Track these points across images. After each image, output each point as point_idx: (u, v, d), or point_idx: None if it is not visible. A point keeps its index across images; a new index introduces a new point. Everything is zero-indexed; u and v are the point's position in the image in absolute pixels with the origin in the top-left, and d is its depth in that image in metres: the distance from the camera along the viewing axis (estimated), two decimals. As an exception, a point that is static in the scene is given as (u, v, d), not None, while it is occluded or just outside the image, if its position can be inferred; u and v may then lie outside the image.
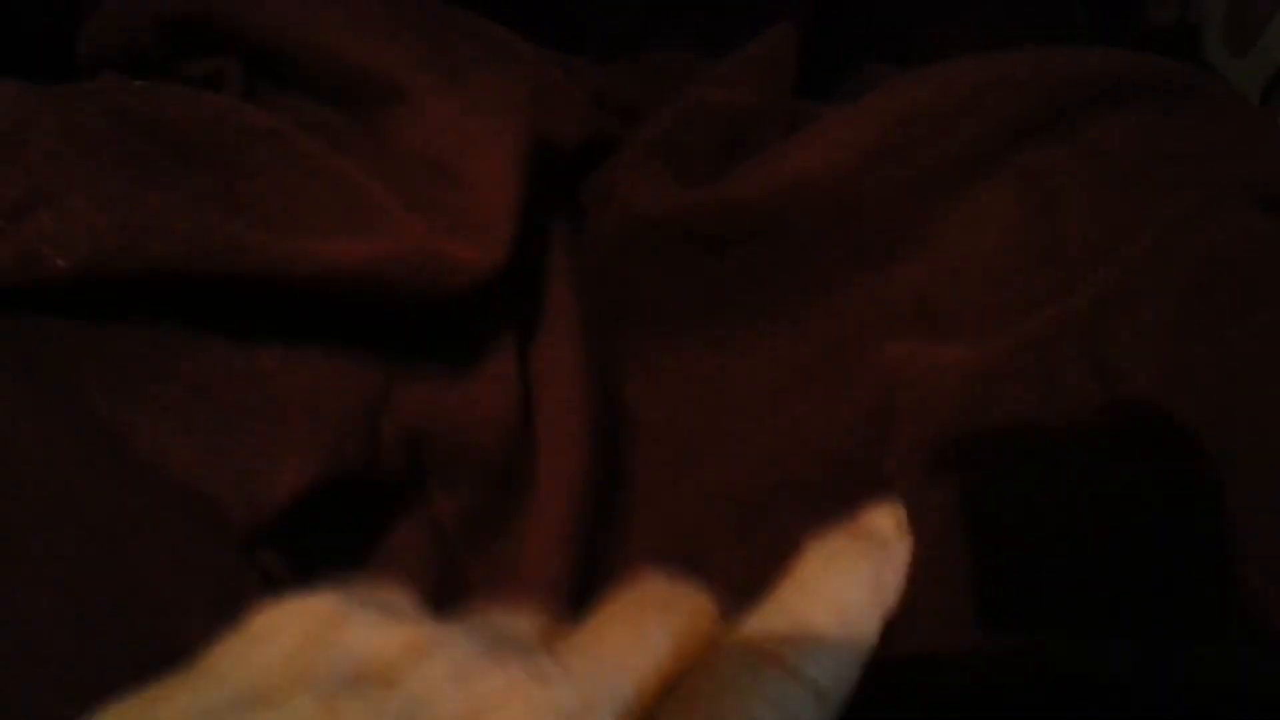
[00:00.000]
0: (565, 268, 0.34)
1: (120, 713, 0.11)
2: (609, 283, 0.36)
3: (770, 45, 0.43)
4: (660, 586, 0.13)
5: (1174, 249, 0.30)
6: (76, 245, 0.23)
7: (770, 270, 0.34)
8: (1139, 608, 0.25)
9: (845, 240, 0.34)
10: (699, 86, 0.40)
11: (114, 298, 0.24)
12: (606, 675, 0.12)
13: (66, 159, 0.25)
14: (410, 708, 0.11)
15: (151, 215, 0.24)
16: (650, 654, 0.12)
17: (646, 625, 0.12)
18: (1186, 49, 0.58)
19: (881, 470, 0.29)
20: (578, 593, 0.28)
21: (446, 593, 0.28)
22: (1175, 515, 0.26)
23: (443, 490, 0.29)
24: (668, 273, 0.35)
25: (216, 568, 0.22)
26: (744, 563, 0.30)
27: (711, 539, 0.31)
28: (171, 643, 0.19)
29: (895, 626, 0.13)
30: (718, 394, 0.34)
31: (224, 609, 0.13)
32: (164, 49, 0.33)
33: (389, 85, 0.32)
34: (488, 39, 0.39)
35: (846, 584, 0.13)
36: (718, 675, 0.12)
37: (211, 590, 0.21)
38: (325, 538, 0.26)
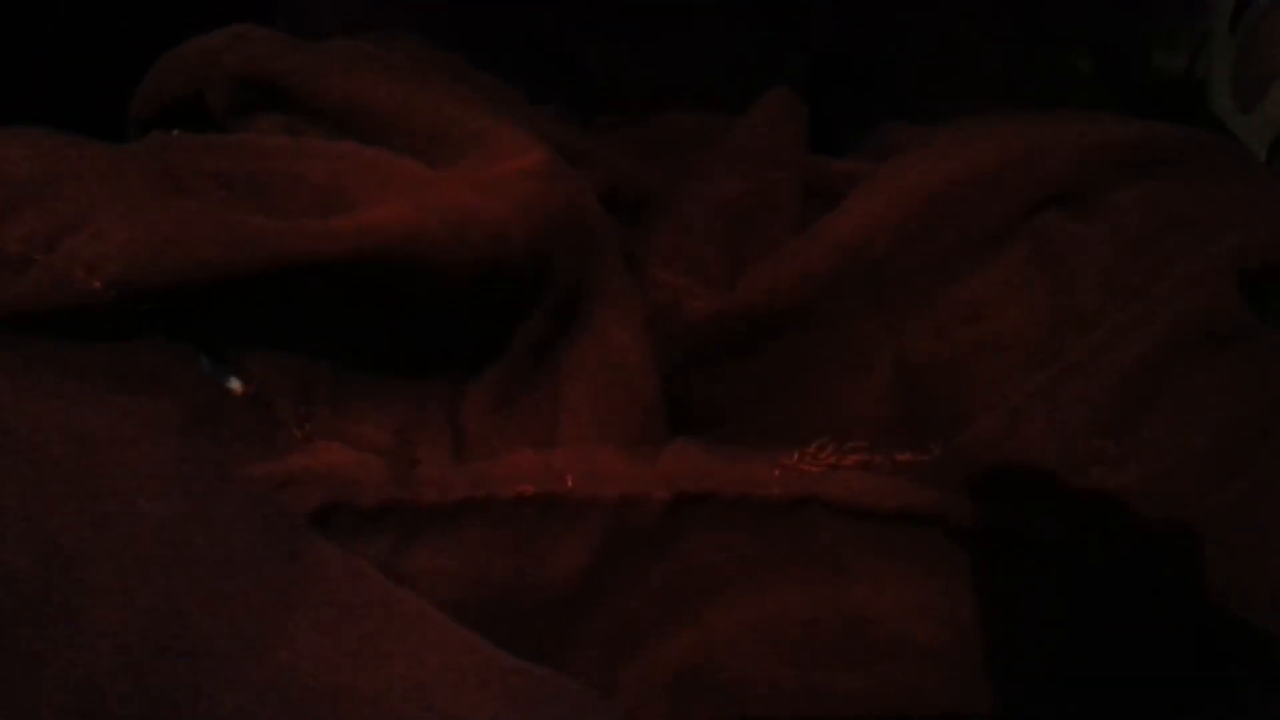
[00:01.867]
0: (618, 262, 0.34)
1: None
2: None
3: (776, 109, 0.45)
4: None
5: (1159, 310, 0.30)
6: (109, 264, 0.24)
7: (806, 359, 0.36)
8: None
9: (874, 316, 0.35)
10: (707, 181, 0.42)
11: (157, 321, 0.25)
12: None
13: (97, 191, 0.26)
14: None
15: (181, 223, 0.25)
16: None
17: None
18: (1194, 101, 0.59)
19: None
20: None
21: None
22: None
23: None
24: (707, 380, 0.36)
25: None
26: None
27: None
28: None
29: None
30: None
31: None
32: (226, 105, 0.35)
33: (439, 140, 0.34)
34: (512, 105, 0.41)
35: None
36: None
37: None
38: None
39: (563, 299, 0.32)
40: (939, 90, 0.51)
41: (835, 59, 0.54)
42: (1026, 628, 0.27)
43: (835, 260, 0.36)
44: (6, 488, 0.20)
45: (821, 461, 0.27)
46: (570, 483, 0.25)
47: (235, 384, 0.26)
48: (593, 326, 0.33)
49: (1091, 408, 0.29)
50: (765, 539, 0.26)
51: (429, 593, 0.23)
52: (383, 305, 0.28)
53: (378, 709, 0.19)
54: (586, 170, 0.41)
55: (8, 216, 0.25)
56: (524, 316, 0.32)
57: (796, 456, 0.27)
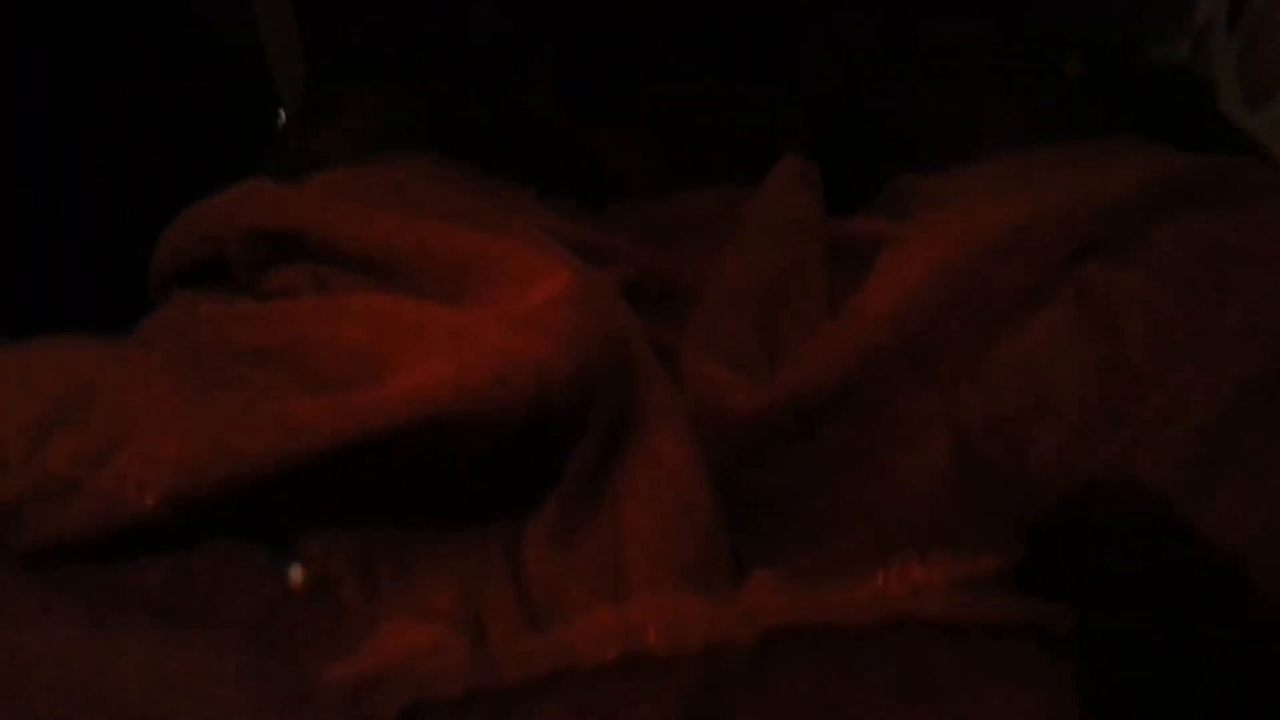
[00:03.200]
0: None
1: None
2: None
3: (791, 178, 0.45)
4: None
5: (1221, 367, 0.30)
6: (160, 478, 0.24)
7: (859, 441, 0.35)
8: None
9: (925, 387, 0.35)
10: (734, 263, 0.42)
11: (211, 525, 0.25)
12: None
13: (136, 401, 0.25)
14: None
15: (226, 425, 0.24)
16: None
17: None
18: (1198, 98, 0.58)
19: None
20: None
21: None
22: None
23: None
24: (759, 472, 0.36)
25: None
26: None
27: None
28: None
29: None
30: None
31: None
32: (246, 259, 0.35)
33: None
34: (526, 210, 0.41)
35: None
36: None
37: None
38: None
39: (610, 424, 0.32)
40: (943, 125, 0.51)
41: (833, 106, 0.53)
42: None
43: (878, 336, 0.35)
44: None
45: (909, 579, 0.26)
46: (652, 638, 0.24)
47: (296, 573, 0.26)
48: (643, 445, 0.33)
49: (1171, 475, 0.28)
50: (862, 667, 0.25)
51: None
52: (435, 466, 0.28)
53: None
54: (609, 266, 0.41)
55: (51, 436, 0.25)
56: (574, 447, 0.31)
57: (882, 579, 0.26)
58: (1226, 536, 0.27)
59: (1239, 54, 0.55)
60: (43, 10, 0.47)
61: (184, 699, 0.20)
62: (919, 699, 0.25)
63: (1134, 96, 0.63)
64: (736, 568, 0.33)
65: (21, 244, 0.46)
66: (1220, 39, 0.56)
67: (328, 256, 0.34)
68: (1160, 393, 0.30)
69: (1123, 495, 0.29)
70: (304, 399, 0.26)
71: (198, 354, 0.28)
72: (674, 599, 0.26)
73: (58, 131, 0.49)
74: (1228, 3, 0.56)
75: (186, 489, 0.24)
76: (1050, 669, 0.25)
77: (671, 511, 0.32)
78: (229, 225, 0.35)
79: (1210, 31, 0.58)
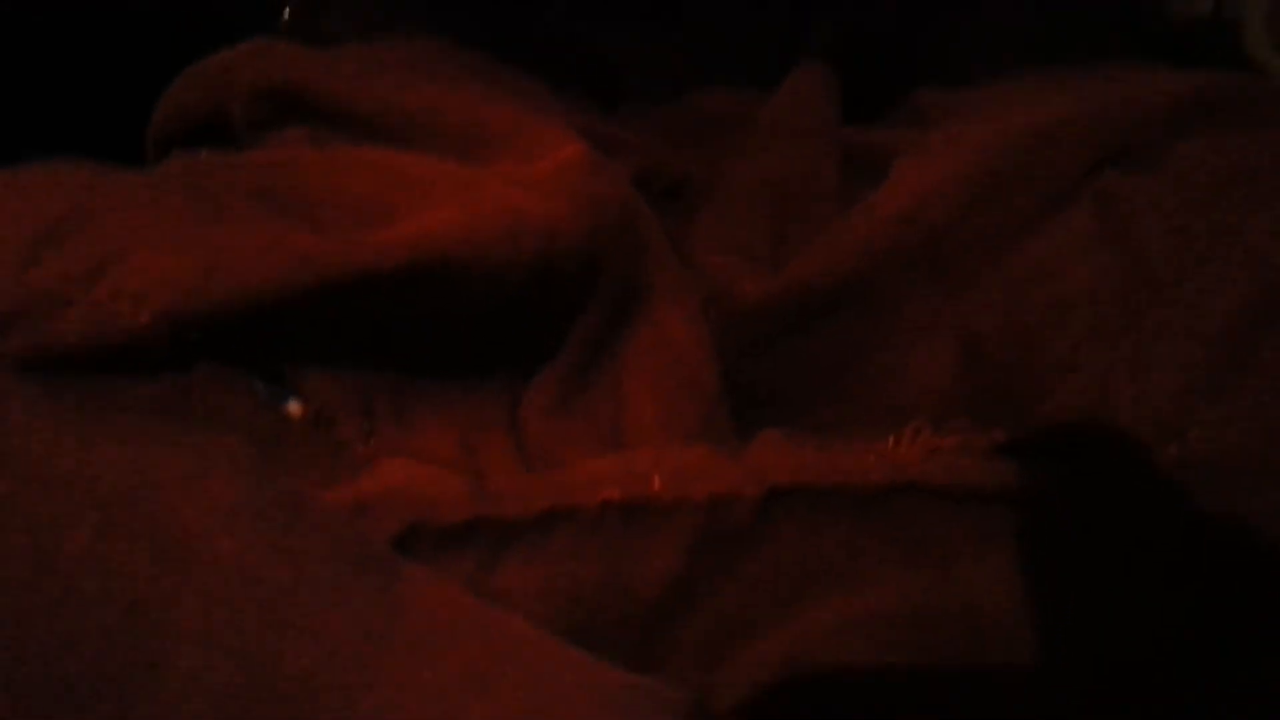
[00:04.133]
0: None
1: None
2: None
3: (807, 83, 0.44)
4: None
5: (1242, 270, 0.29)
6: (155, 295, 0.23)
7: (866, 336, 0.34)
8: None
9: (934, 288, 0.34)
10: (744, 161, 0.41)
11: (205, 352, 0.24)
12: None
13: (134, 221, 0.25)
14: None
15: (225, 248, 0.24)
16: None
17: None
18: (1226, 44, 0.58)
19: None
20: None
21: None
22: None
23: None
24: (766, 362, 0.35)
25: None
26: None
27: None
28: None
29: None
30: None
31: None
32: (248, 118, 0.34)
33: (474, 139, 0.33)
34: (538, 98, 0.40)
35: None
36: None
37: None
38: None
39: (617, 293, 0.31)
40: (968, 53, 0.50)
41: (862, 29, 0.52)
42: (1133, 604, 0.26)
43: (891, 233, 0.35)
44: (79, 538, 0.19)
45: (920, 445, 0.25)
46: (657, 485, 0.24)
47: (294, 406, 0.25)
48: (649, 319, 0.32)
49: (1184, 372, 0.28)
50: (863, 529, 0.24)
51: (519, 608, 0.22)
52: (438, 314, 0.27)
53: (492, 740, 0.18)
54: (618, 158, 0.40)
55: (43, 253, 0.24)
56: (579, 314, 0.30)
57: (892, 441, 0.25)
58: (1231, 437, 0.27)
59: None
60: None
61: (175, 498, 0.19)
62: (921, 563, 0.25)
63: (1159, 40, 0.62)
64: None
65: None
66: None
67: (332, 115, 0.33)
68: (1177, 295, 0.30)
69: (1135, 390, 0.28)
70: (308, 234, 0.25)
71: (198, 188, 0.27)
72: (680, 450, 0.26)
73: (51, 26, 0.48)
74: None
75: (182, 308, 0.23)
76: (1054, 539, 0.25)
77: (675, 387, 0.31)
78: (234, 81, 0.34)
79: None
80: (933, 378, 0.34)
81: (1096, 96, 0.36)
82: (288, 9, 0.64)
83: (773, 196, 0.40)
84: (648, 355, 0.31)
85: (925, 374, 0.34)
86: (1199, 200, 0.33)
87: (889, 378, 0.35)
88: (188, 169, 0.30)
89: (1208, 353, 0.28)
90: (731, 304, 0.35)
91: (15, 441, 0.20)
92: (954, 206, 0.34)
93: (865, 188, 0.38)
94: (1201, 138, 0.34)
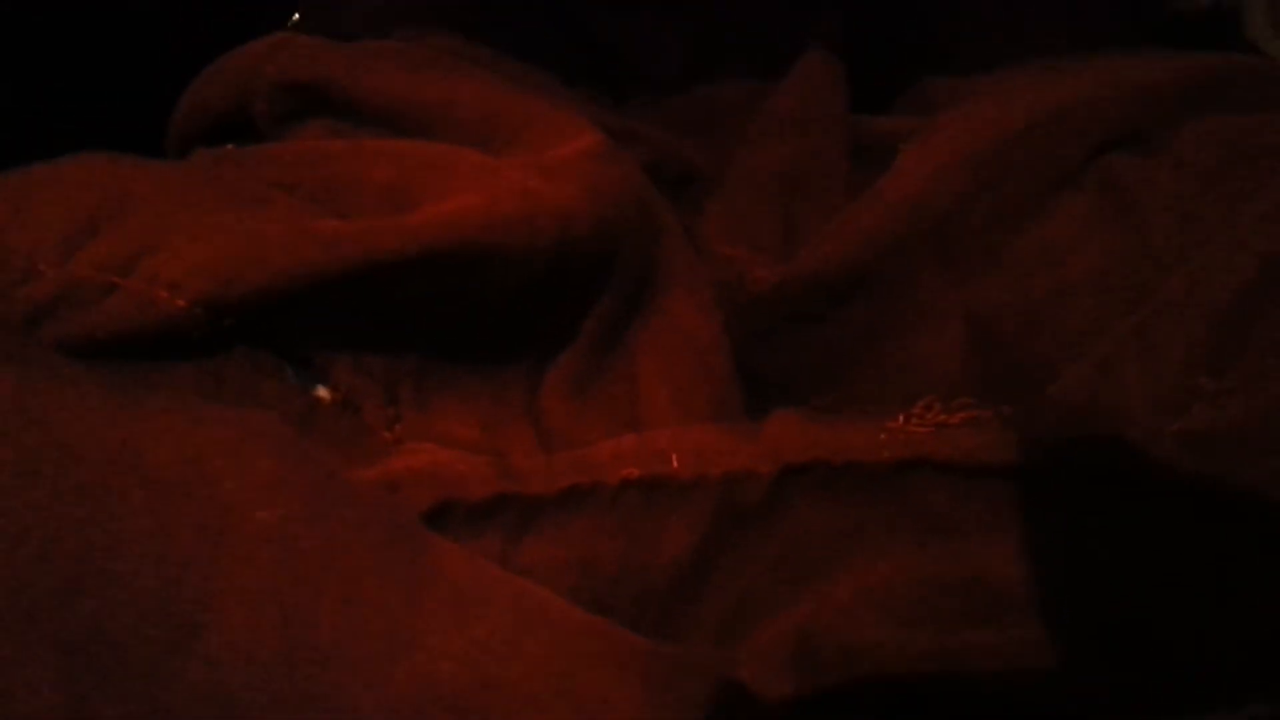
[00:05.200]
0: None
1: None
2: None
3: (814, 71, 0.45)
4: None
5: (1245, 246, 0.30)
6: (191, 282, 0.24)
7: (875, 322, 0.35)
8: None
9: (940, 272, 0.35)
10: (753, 150, 0.41)
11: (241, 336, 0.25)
12: None
13: (167, 211, 0.25)
14: None
15: (256, 235, 0.24)
16: None
17: None
18: (1227, 29, 0.58)
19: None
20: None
21: None
22: None
23: None
24: (777, 350, 0.36)
25: None
26: None
27: None
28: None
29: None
30: None
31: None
32: (272, 112, 0.35)
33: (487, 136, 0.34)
34: (550, 90, 0.41)
35: None
36: None
37: None
38: None
39: (632, 280, 0.32)
40: (974, 42, 0.50)
41: (869, 18, 0.53)
42: (1139, 576, 0.26)
43: (897, 219, 0.35)
44: (124, 509, 0.20)
45: (929, 421, 0.26)
46: (675, 463, 0.24)
47: (323, 392, 0.26)
48: (663, 306, 0.33)
49: (1187, 347, 0.28)
50: (876, 504, 0.25)
51: (544, 583, 0.23)
52: (458, 300, 0.28)
53: (522, 697, 0.18)
54: (629, 149, 0.40)
55: (82, 243, 0.25)
56: (595, 300, 0.31)
57: (902, 419, 0.26)
58: (1234, 411, 0.27)
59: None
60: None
61: (215, 471, 0.20)
62: (933, 536, 0.25)
63: (1161, 29, 0.62)
64: None
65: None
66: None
67: (353, 109, 0.34)
68: (1180, 274, 0.31)
69: (1140, 365, 0.29)
70: (334, 221, 0.26)
71: (228, 179, 0.28)
72: (697, 430, 0.26)
73: (61, 26, 0.48)
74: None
75: (217, 294, 0.24)
76: (1062, 512, 0.25)
77: (688, 371, 0.32)
78: (258, 76, 0.34)
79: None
80: (941, 361, 0.35)
81: (1100, 80, 0.36)
82: (297, 12, 0.65)
83: (782, 185, 0.40)
84: (662, 340, 0.32)
85: (934, 357, 0.35)
86: (1203, 181, 0.33)
87: (898, 362, 0.35)
88: (216, 161, 0.31)
89: (1210, 330, 0.29)
90: (742, 293, 0.36)
91: (64, 419, 0.21)
92: (960, 191, 0.35)
93: (874, 176, 0.39)
94: (1207, 118, 0.35)
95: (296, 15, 0.66)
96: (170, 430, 0.21)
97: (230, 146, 0.33)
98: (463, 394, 0.28)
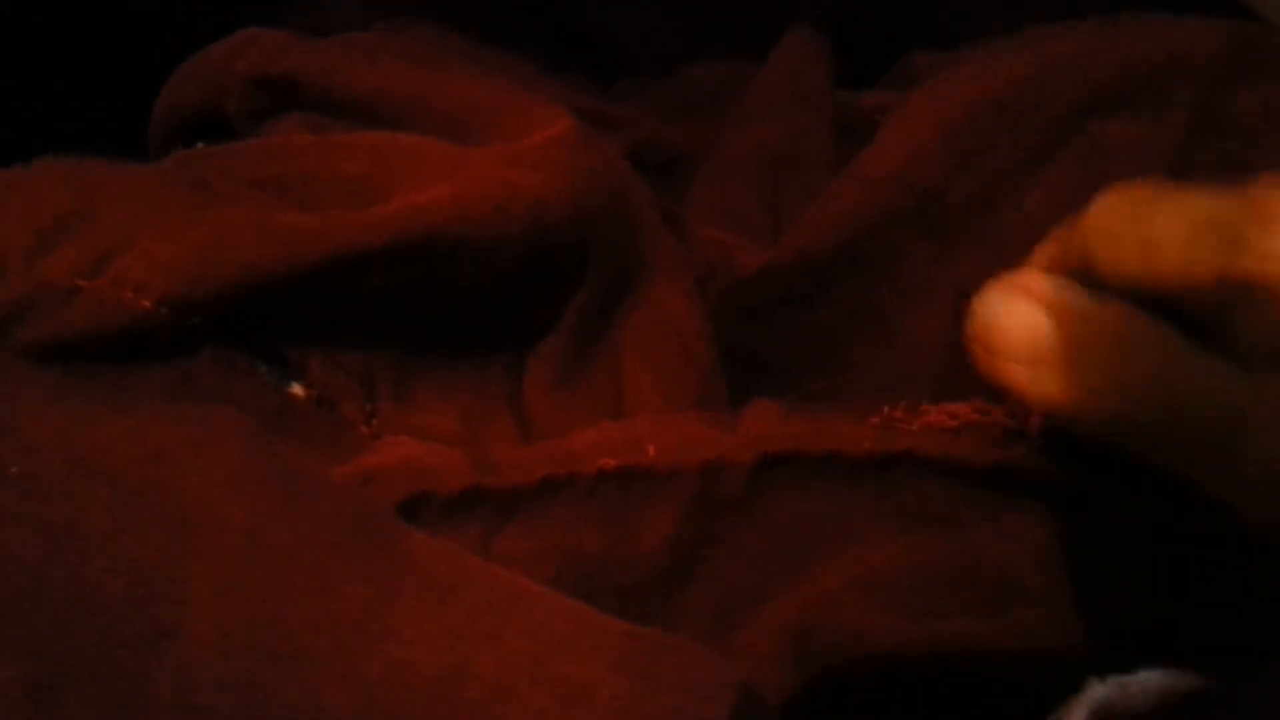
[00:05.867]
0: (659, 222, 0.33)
1: None
2: None
3: (798, 51, 0.44)
4: None
5: None
6: (156, 281, 0.24)
7: (862, 301, 0.35)
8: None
9: (927, 247, 0.34)
10: (737, 132, 0.41)
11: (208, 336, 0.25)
12: None
13: (135, 213, 0.25)
14: None
15: (222, 232, 0.24)
16: None
17: None
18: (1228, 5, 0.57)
19: None
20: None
21: None
22: None
23: None
24: (763, 333, 0.35)
25: None
26: None
27: None
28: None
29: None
30: None
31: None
32: (244, 109, 0.34)
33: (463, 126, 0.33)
34: (531, 79, 0.40)
35: None
36: None
37: None
38: None
39: (611, 266, 0.32)
40: (962, 15, 0.50)
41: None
42: (1133, 568, 0.26)
43: (880, 195, 0.34)
44: (88, 513, 0.19)
45: (916, 416, 0.25)
46: (652, 453, 0.24)
47: (297, 389, 0.26)
48: (645, 294, 0.32)
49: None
50: (858, 495, 0.25)
51: (523, 575, 0.22)
52: (434, 291, 0.28)
53: (500, 684, 0.18)
54: (613, 134, 0.40)
55: (51, 249, 0.24)
56: (575, 289, 0.31)
57: (888, 412, 0.26)
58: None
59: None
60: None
61: (180, 468, 0.20)
62: (918, 527, 0.25)
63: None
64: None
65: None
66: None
67: (326, 103, 0.34)
68: None
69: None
70: (304, 215, 0.26)
71: (197, 177, 0.27)
72: (675, 419, 0.26)
73: (50, 26, 0.48)
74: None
75: (184, 293, 0.24)
76: (1049, 509, 0.25)
77: (672, 359, 0.32)
78: (229, 72, 0.34)
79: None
80: (930, 338, 0.34)
81: (1085, 44, 0.35)
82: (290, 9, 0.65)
83: (767, 166, 0.40)
84: (644, 328, 0.32)
85: (922, 335, 0.34)
86: (1196, 148, 0.32)
87: (886, 341, 0.35)
88: (186, 159, 0.31)
89: None
90: (728, 276, 0.35)
91: (31, 425, 0.21)
92: (938, 164, 0.34)
93: (857, 152, 0.38)
94: (1202, 84, 0.33)
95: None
96: (135, 430, 0.20)
97: (201, 144, 0.33)
98: (442, 387, 0.28)
